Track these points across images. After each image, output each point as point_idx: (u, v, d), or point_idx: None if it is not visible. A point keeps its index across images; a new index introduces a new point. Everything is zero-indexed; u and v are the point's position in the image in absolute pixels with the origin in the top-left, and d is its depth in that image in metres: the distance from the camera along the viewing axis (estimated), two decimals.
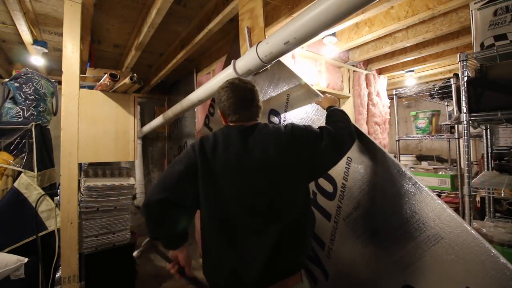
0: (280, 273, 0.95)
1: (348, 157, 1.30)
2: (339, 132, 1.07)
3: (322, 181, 1.46)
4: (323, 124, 1.18)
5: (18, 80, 2.06)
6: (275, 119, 1.79)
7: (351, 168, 1.30)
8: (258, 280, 0.92)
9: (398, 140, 2.43)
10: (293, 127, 1.05)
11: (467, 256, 0.90)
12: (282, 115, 1.73)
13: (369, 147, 1.24)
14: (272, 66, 1.68)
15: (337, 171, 1.35)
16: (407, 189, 1.09)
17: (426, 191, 1.04)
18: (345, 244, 1.33)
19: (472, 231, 0.90)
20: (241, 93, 1.07)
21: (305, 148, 1.00)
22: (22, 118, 2.03)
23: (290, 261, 0.98)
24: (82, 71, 2.03)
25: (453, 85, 2.01)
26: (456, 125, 2.08)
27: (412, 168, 2.32)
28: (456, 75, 1.98)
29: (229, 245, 0.96)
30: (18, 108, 2.05)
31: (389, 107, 3.52)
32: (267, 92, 1.87)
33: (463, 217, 1.76)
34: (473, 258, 0.88)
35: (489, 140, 1.93)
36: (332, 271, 1.42)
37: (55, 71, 3.53)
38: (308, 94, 1.56)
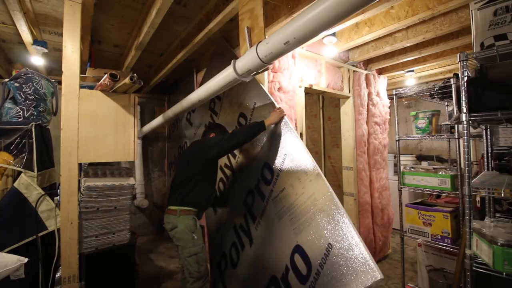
0: (174, 201, 1.89)
1: (285, 153, 1.73)
2: (222, 142, 1.81)
3: (266, 172, 1.87)
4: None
5: (18, 80, 2.06)
6: (242, 121, 2.24)
7: (285, 162, 1.72)
8: (172, 200, 1.91)
9: (398, 140, 2.43)
10: (203, 140, 2.07)
11: (331, 221, 1.35)
12: (248, 117, 2.17)
13: (297, 148, 1.66)
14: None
15: (276, 164, 1.78)
16: (313, 177, 1.51)
17: (323, 179, 1.46)
18: (269, 218, 1.76)
19: (340, 207, 1.33)
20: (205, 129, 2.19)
21: (200, 147, 1.95)
22: (22, 118, 2.03)
23: (179, 199, 1.88)
24: (82, 71, 2.02)
25: (453, 85, 2.01)
26: (456, 125, 2.08)
27: (412, 168, 2.31)
28: (456, 75, 1.98)
29: (171, 186, 2.01)
30: (18, 108, 2.05)
31: (389, 107, 3.52)
32: (239, 98, 2.29)
33: (463, 217, 1.76)
34: (333, 222, 1.34)
35: (489, 140, 1.93)
36: (256, 239, 1.87)
37: (55, 71, 3.53)
38: (268, 104, 1.96)
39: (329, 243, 1.32)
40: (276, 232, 1.68)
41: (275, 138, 1.85)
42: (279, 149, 1.79)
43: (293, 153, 1.68)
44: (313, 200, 1.46)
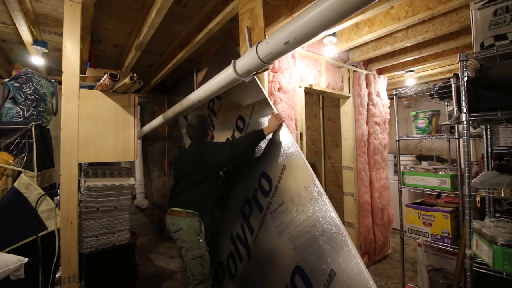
0: (179, 204, 1.86)
1: (284, 165, 1.67)
2: (224, 151, 1.81)
3: (263, 182, 1.80)
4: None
5: (18, 80, 2.06)
6: (240, 124, 2.23)
7: (284, 174, 1.66)
8: (177, 203, 1.88)
9: (398, 140, 2.43)
10: (204, 144, 1.99)
11: (334, 245, 1.30)
12: (246, 121, 2.16)
13: (297, 159, 1.60)
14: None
15: (274, 175, 1.72)
16: (314, 195, 1.45)
17: (325, 199, 1.40)
18: (267, 231, 1.71)
19: (343, 232, 1.29)
20: (192, 128, 2.06)
21: (202, 153, 1.88)
22: (22, 118, 2.03)
23: (184, 202, 1.86)
24: (82, 71, 2.03)
25: (453, 85, 2.01)
26: (456, 125, 2.08)
27: (412, 168, 2.31)
28: (456, 75, 1.98)
29: (174, 189, 1.98)
30: (18, 108, 2.05)
31: (389, 107, 3.52)
32: (239, 100, 2.28)
33: (463, 217, 1.76)
34: (336, 247, 1.29)
35: (489, 140, 1.93)
36: (254, 252, 1.82)
37: (55, 71, 3.53)
38: (267, 108, 1.94)
39: (332, 269, 1.27)
40: (275, 249, 1.61)
41: (273, 147, 1.79)
42: (278, 159, 1.72)
43: (293, 165, 1.61)
44: (314, 220, 1.40)
